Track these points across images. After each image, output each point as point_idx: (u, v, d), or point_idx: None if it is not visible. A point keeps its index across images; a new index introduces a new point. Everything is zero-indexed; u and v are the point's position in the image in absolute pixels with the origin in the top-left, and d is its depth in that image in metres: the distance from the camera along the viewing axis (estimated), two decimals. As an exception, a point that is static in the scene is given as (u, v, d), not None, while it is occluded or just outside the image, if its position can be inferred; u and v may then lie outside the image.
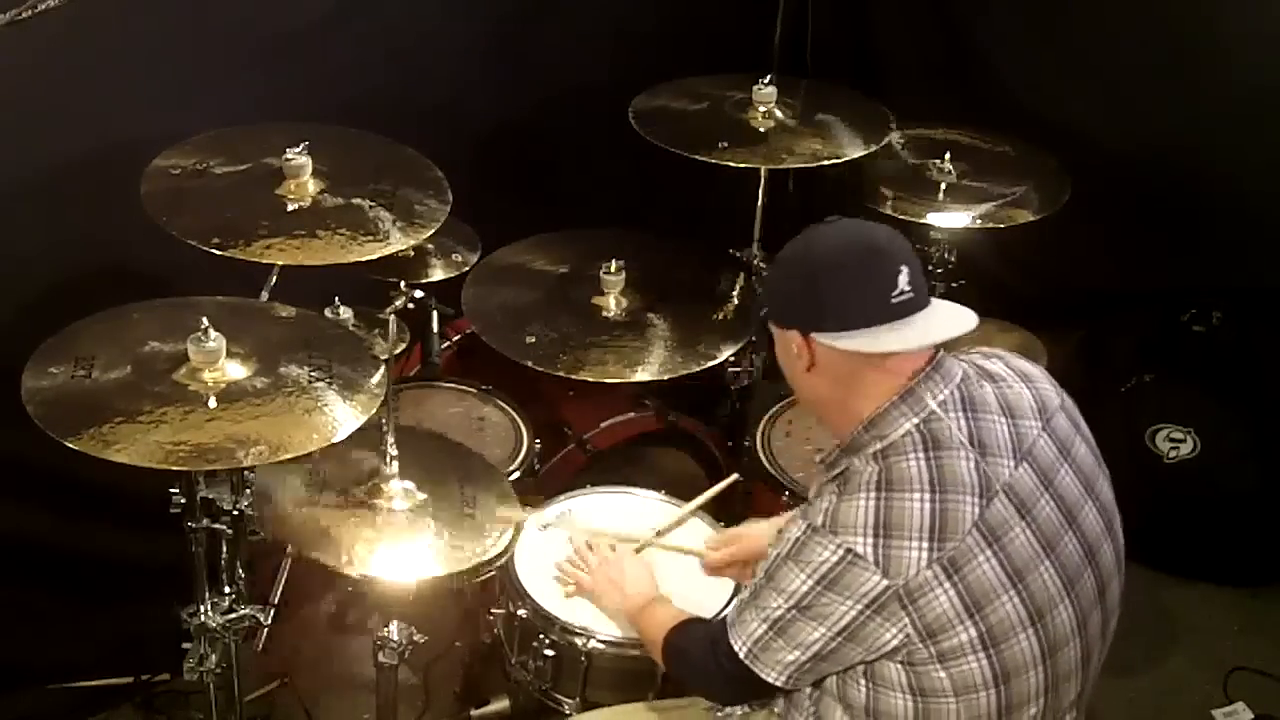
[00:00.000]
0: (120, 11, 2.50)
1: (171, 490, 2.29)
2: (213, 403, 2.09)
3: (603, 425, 3.01)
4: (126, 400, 2.06)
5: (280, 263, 2.34)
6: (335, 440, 2.10)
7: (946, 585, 1.75)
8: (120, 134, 2.54)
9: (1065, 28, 3.56)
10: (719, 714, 2.12)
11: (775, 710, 2.03)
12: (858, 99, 3.15)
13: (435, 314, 3.05)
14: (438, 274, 2.92)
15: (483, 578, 2.50)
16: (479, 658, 2.74)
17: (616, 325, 2.77)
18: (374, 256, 2.35)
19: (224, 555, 2.40)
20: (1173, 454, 3.37)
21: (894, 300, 1.79)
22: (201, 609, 2.36)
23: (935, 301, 1.85)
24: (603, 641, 2.33)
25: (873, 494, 1.78)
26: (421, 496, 2.33)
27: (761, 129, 2.96)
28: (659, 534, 2.51)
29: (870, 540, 1.75)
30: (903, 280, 1.79)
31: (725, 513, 2.62)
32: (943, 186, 3.07)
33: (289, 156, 2.41)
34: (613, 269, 2.78)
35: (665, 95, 3.06)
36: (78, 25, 2.43)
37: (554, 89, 3.32)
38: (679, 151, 2.85)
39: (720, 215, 3.23)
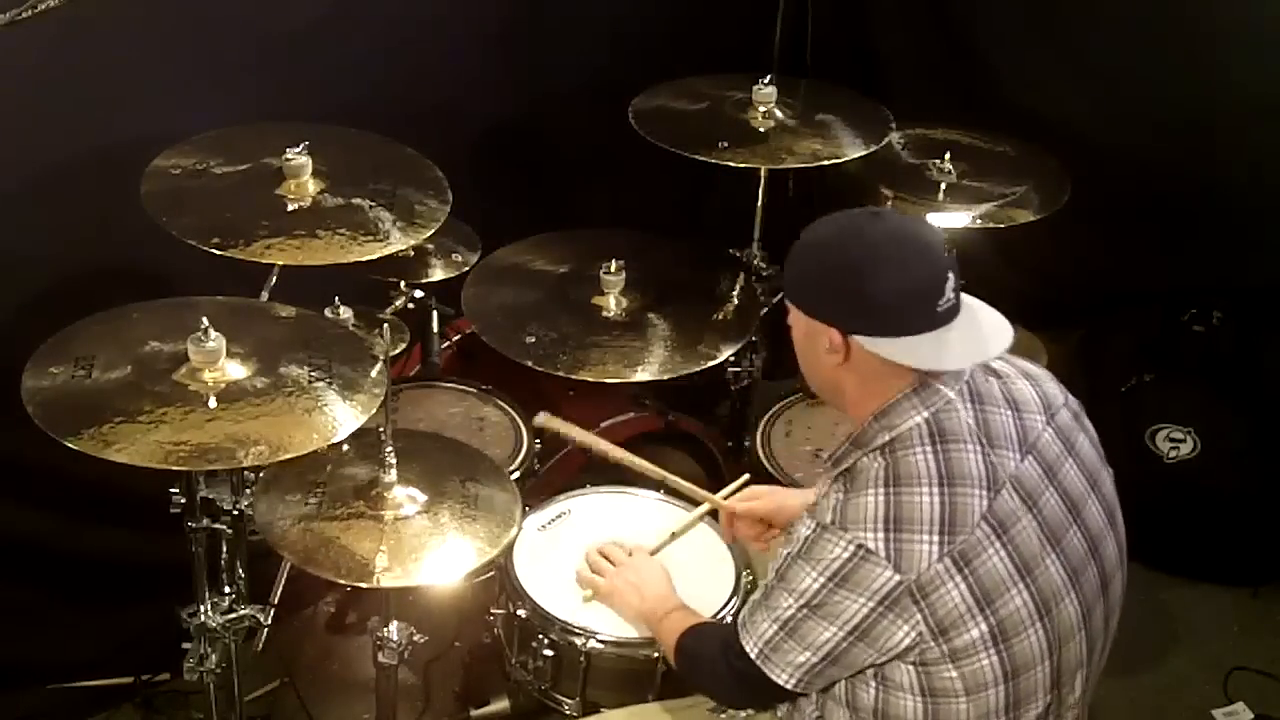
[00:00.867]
0: (120, 11, 2.50)
1: (171, 490, 2.29)
2: (213, 403, 2.09)
3: (603, 425, 3.01)
4: (126, 400, 2.06)
5: (280, 263, 2.34)
6: (335, 440, 2.10)
7: (958, 579, 1.75)
8: (120, 134, 2.54)
9: (1065, 27, 3.55)
10: (722, 716, 2.12)
11: (778, 715, 2.03)
12: (858, 99, 3.14)
13: (435, 314, 3.05)
14: (438, 274, 2.92)
15: (483, 578, 2.51)
16: (479, 658, 2.74)
17: (616, 325, 2.76)
18: (374, 256, 2.35)
19: (224, 555, 2.40)
20: (1173, 454, 3.37)
21: (939, 308, 1.77)
22: (201, 609, 2.37)
23: (967, 301, 1.83)
24: (602, 641, 2.33)
25: (881, 489, 1.78)
26: (424, 499, 2.31)
27: (761, 129, 2.96)
28: (674, 535, 2.50)
29: (881, 535, 1.75)
30: (949, 287, 1.77)
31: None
32: (943, 186, 3.07)
33: (289, 156, 2.41)
34: (613, 269, 2.78)
35: (665, 95, 3.06)
36: (78, 25, 2.42)
37: (554, 89, 3.32)
38: (679, 151, 2.85)
39: (720, 215, 3.23)
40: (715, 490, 2.50)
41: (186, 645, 2.40)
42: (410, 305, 2.92)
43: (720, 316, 2.86)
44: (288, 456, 2.05)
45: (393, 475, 2.28)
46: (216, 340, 2.12)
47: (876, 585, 1.75)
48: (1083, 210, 3.08)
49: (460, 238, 2.95)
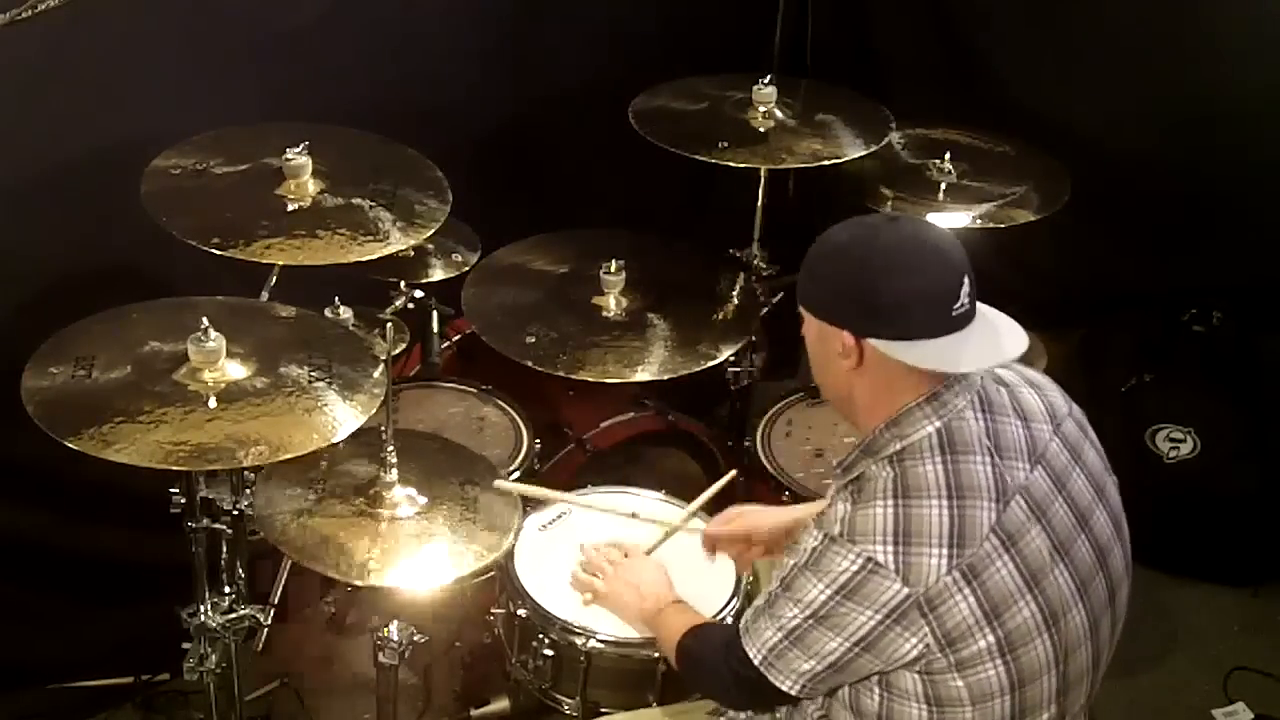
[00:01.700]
0: (120, 11, 2.50)
1: (171, 490, 2.29)
2: (213, 403, 2.09)
3: (603, 425, 3.01)
4: (126, 400, 2.06)
5: (280, 263, 2.34)
6: (335, 440, 2.10)
7: (966, 592, 1.74)
8: (120, 134, 2.54)
9: (1065, 28, 3.55)
10: (722, 718, 2.12)
11: (777, 716, 2.02)
12: (858, 99, 3.14)
13: (435, 314, 3.05)
14: (438, 274, 2.92)
15: (482, 578, 2.51)
16: (479, 658, 2.74)
17: (616, 325, 2.76)
18: (374, 256, 2.36)
19: (224, 555, 2.40)
20: (1173, 454, 3.37)
21: (954, 313, 1.76)
22: (201, 609, 2.37)
23: (982, 308, 1.82)
24: (602, 641, 2.33)
25: (890, 501, 1.76)
26: (423, 500, 2.30)
27: (761, 129, 2.96)
28: (667, 535, 2.51)
29: (890, 548, 1.73)
30: (964, 292, 1.76)
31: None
32: (943, 186, 3.07)
33: (289, 156, 2.41)
34: (613, 269, 2.78)
35: (665, 95, 3.06)
36: (78, 25, 2.43)
37: (554, 89, 3.32)
38: (679, 151, 2.85)
39: (720, 215, 3.23)
40: (705, 488, 2.52)
41: (186, 645, 2.40)
42: (410, 305, 2.92)
43: (720, 316, 2.86)
44: (288, 457, 2.05)
45: (393, 475, 2.28)
46: (216, 340, 2.12)
47: (885, 598, 1.74)
48: (1083, 210, 3.09)
49: (460, 238, 2.95)
